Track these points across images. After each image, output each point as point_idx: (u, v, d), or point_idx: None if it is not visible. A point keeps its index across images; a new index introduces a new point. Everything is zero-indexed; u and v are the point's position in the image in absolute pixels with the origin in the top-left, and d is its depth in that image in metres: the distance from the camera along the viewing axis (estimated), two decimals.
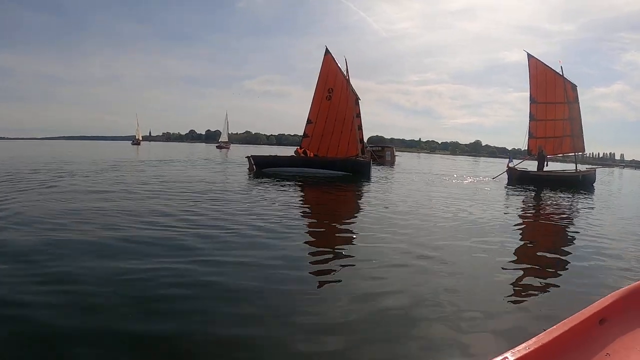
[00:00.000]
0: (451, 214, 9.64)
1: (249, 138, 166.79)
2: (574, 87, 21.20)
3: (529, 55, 20.90)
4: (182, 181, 14.04)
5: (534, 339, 1.64)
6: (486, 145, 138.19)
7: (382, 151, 37.25)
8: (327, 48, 21.27)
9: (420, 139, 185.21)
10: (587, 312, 1.88)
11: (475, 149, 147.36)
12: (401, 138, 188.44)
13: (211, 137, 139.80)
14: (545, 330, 1.73)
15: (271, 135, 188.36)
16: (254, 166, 20.24)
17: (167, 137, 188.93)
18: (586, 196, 16.13)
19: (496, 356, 1.52)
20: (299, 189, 14.06)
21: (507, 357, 1.51)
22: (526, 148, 21.22)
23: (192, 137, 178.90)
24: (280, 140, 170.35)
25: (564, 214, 11.43)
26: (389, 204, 11.08)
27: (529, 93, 21.07)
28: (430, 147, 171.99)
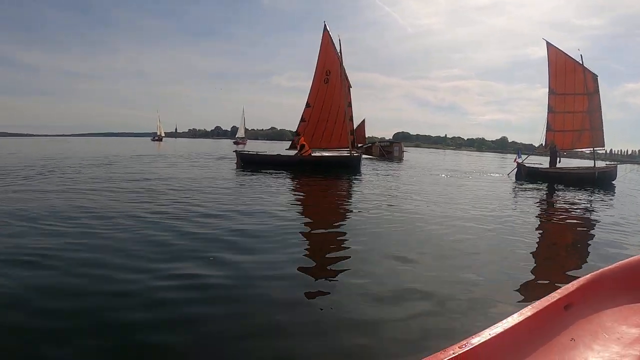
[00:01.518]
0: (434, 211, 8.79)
1: (273, 134, 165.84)
2: (594, 77, 19.62)
3: (548, 44, 19.66)
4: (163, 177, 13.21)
5: (499, 324, 1.61)
6: (513, 141, 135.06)
7: (390, 147, 36.51)
8: (325, 24, 19.77)
9: (446, 135, 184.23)
10: (552, 298, 1.86)
11: (502, 146, 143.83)
12: (426, 134, 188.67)
13: (236, 133, 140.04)
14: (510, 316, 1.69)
15: (296, 131, 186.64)
16: (241, 162, 19.21)
17: (193, 134, 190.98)
18: (603, 194, 14.67)
19: (462, 341, 1.49)
20: (282, 185, 12.95)
21: (473, 342, 1.48)
22: (543, 142, 19.87)
23: (217, 133, 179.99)
24: None
25: (569, 213, 10.02)
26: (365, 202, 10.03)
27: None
28: (456, 143, 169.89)
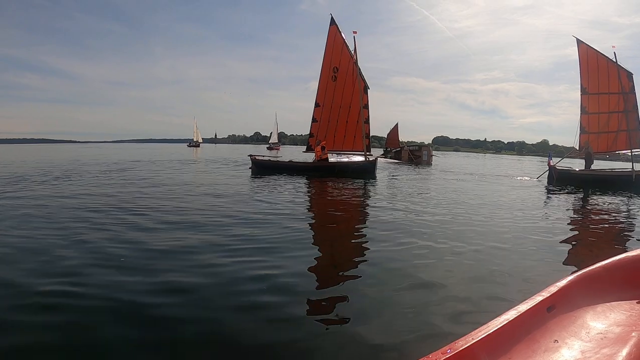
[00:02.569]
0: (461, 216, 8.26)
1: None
2: (629, 75, 18.31)
3: (578, 41, 18.75)
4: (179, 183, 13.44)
5: (483, 327, 1.61)
6: (554, 144, 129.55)
7: (419, 151, 35.20)
8: (332, 17, 18.82)
9: (485, 139, 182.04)
10: (535, 300, 1.86)
11: (543, 149, 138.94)
12: (466, 138, 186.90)
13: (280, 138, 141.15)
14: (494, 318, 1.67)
15: None
16: (255, 168, 18.82)
17: (233, 140, 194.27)
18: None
19: (447, 343, 1.49)
20: (291, 191, 12.46)
21: (458, 344, 1.49)
22: (577, 145, 18.79)
23: (257, 139, 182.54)
24: None
25: (606, 220, 8.96)
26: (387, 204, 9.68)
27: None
28: (496, 147, 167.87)
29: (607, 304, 2.06)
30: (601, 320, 1.92)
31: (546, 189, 15.56)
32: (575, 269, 2.51)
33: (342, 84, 18.68)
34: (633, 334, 1.71)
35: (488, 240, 6.12)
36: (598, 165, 19.70)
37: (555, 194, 13.98)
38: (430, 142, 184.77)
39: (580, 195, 13.64)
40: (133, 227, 6.32)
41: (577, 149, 18.74)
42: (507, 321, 1.70)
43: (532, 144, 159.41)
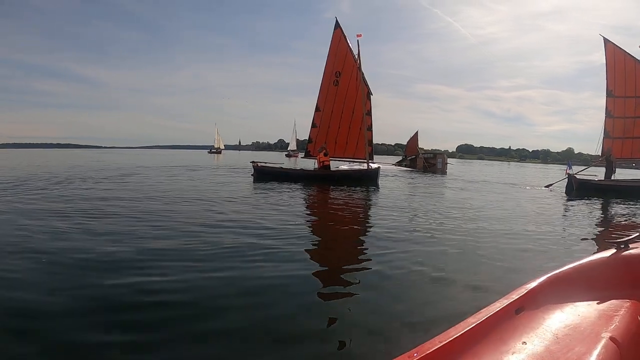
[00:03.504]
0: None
1: None
2: None
3: (605, 41, 17.63)
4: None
5: (450, 329, 1.57)
6: (579, 152, 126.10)
7: (434, 159, 34.08)
8: (337, 20, 18.17)
9: (510, 147, 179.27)
10: (503, 302, 1.83)
11: (568, 157, 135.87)
12: (491, 146, 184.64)
13: (299, 146, 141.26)
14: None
15: None
16: (256, 175, 18.18)
17: (257, 146, 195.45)
18: None
19: (413, 347, 1.44)
20: (292, 199, 11.85)
21: (424, 347, 1.44)
22: (600, 151, 17.67)
23: (280, 146, 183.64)
24: None
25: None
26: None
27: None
28: (521, 155, 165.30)
29: (576, 305, 2.03)
30: (570, 322, 1.88)
31: (564, 198, 14.51)
32: (545, 271, 2.29)
33: (344, 89, 18.01)
34: (602, 334, 1.67)
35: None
36: (622, 174, 18.71)
37: (572, 205, 12.81)
38: (454, 150, 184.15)
39: (601, 206, 12.52)
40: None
41: (600, 155, 17.64)
42: (474, 324, 1.64)
43: (556, 152, 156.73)
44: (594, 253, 2.35)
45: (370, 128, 18.05)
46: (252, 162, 18.64)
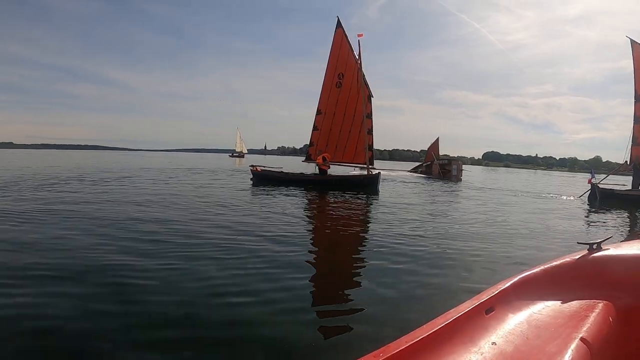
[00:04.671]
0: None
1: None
2: None
3: (632, 42, 16.61)
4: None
5: (418, 329, 1.51)
6: (607, 161, 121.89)
7: (449, 165, 32.74)
8: (338, 19, 17.47)
9: (537, 154, 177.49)
10: (473, 302, 1.76)
11: (595, 166, 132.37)
12: (517, 154, 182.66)
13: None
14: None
15: (385, 150, 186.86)
16: (255, 178, 18.03)
17: (282, 151, 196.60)
18: None
19: (379, 347, 1.36)
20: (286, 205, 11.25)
21: (390, 348, 1.37)
22: (628, 159, 16.60)
23: (306, 150, 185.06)
24: (394, 155, 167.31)
25: None
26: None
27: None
28: (547, 163, 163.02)
29: (548, 305, 1.98)
30: (541, 322, 1.82)
31: (587, 208, 13.43)
32: (517, 272, 2.11)
33: (347, 91, 17.32)
34: (574, 335, 1.64)
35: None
36: None
37: (599, 215, 11.67)
38: (480, 157, 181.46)
39: (627, 218, 11.54)
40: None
41: (628, 163, 16.59)
42: (443, 324, 1.55)
43: (584, 160, 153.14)
44: (567, 254, 2.26)
45: (370, 131, 17.28)
46: (252, 166, 18.68)
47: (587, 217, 11.84)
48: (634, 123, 16.47)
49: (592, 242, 2.20)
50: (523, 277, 2.09)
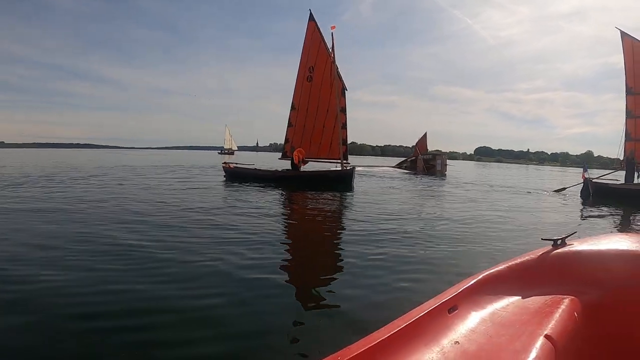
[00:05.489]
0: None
1: (354, 149, 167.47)
2: None
3: (622, 34, 16.26)
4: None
5: (379, 331, 1.47)
6: (598, 156, 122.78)
7: (433, 160, 32.47)
8: (311, 12, 16.94)
9: (528, 150, 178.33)
10: (436, 301, 1.74)
11: (587, 160, 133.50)
12: (509, 149, 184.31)
13: None
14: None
15: (377, 146, 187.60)
16: (227, 175, 17.67)
17: (275, 148, 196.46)
18: None
19: (340, 348, 1.34)
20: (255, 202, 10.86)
21: (351, 349, 1.34)
22: (622, 155, 16.28)
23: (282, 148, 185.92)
24: (386, 151, 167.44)
25: None
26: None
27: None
28: (539, 158, 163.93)
29: (512, 303, 1.92)
30: (505, 320, 1.76)
31: (579, 204, 13.17)
32: (481, 269, 2.04)
33: (318, 85, 16.79)
34: (538, 332, 1.58)
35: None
36: None
37: (592, 211, 11.37)
38: (472, 152, 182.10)
39: (622, 214, 11.20)
40: None
41: (621, 159, 16.22)
42: (404, 324, 1.52)
43: (575, 155, 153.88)
44: (532, 250, 2.18)
45: (344, 126, 16.70)
46: (224, 163, 18.45)
47: (567, 212, 11.38)
48: (626, 117, 16.10)
49: (556, 237, 2.15)
50: (487, 274, 2.05)
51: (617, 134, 16.07)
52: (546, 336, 1.54)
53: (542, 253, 2.16)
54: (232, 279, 4.26)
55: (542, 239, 2.21)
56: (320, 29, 16.87)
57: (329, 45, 16.66)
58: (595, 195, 14.69)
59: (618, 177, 16.43)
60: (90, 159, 38.73)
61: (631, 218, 10.78)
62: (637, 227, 9.43)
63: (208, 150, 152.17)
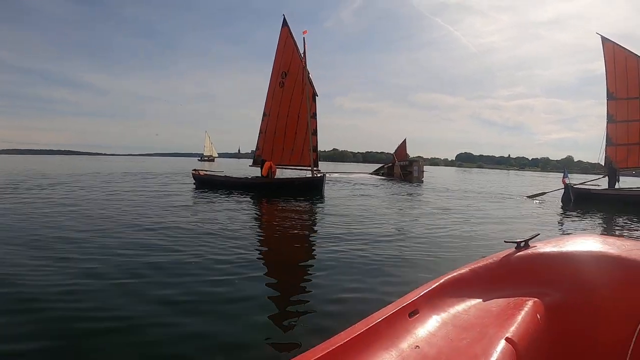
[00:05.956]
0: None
1: (335, 156, 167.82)
2: None
3: (603, 39, 16.38)
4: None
5: (337, 336, 1.47)
6: (579, 161, 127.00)
7: (410, 166, 32.11)
8: (284, 18, 16.71)
9: (509, 155, 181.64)
10: (397, 305, 1.75)
11: (567, 165, 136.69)
12: (491, 155, 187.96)
13: None
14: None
15: (358, 152, 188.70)
16: (196, 182, 17.42)
17: None
18: None
19: (299, 355, 1.33)
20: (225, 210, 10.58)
21: (308, 355, 1.33)
22: (602, 160, 16.30)
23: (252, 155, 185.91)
24: (367, 157, 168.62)
25: None
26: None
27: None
28: (520, 163, 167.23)
29: (474, 306, 1.93)
30: (467, 323, 1.77)
31: (560, 209, 13.02)
32: (443, 273, 2.05)
33: (290, 90, 16.50)
34: (500, 334, 1.59)
35: None
36: (628, 183, 17.23)
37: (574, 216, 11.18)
38: (454, 158, 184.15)
39: (604, 219, 11.15)
40: None
41: (603, 164, 16.25)
42: (364, 328, 1.52)
43: (556, 160, 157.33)
44: (494, 253, 2.16)
45: (315, 132, 16.35)
46: (194, 170, 18.16)
47: (542, 217, 11.30)
48: (607, 122, 16.14)
49: (519, 240, 2.14)
50: (449, 277, 2.05)
51: (597, 140, 16.24)
52: (507, 339, 1.53)
53: (505, 255, 2.14)
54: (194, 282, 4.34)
55: (504, 241, 2.18)
56: (294, 35, 16.60)
57: (301, 51, 16.41)
58: (576, 201, 14.64)
59: (599, 182, 16.38)
60: (62, 165, 38.00)
61: (611, 222, 10.73)
62: (615, 230, 9.41)
63: (190, 157, 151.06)
